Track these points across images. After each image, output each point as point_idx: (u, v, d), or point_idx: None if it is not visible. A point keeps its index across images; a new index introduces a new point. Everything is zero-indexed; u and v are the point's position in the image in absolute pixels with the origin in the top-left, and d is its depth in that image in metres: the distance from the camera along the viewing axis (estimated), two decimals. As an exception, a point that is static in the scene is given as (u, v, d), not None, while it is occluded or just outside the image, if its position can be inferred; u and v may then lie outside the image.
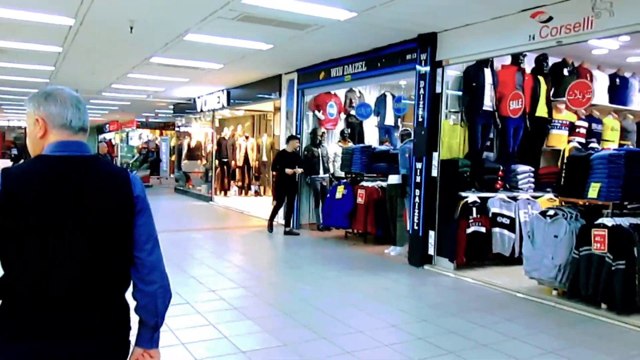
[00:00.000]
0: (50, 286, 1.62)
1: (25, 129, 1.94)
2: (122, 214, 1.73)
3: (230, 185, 16.33)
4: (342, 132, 10.56)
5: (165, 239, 9.20)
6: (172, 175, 21.73)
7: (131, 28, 6.99)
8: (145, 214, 1.80)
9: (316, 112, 10.42)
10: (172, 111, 19.74)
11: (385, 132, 10.86)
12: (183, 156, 19.03)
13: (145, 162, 22.87)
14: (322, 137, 10.22)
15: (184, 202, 15.83)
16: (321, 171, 10.03)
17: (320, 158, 9.99)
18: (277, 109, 15.53)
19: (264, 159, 16.06)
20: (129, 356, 1.83)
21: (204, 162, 17.57)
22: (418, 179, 7.24)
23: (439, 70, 7.09)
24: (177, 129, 20.39)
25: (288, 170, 9.44)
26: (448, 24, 6.76)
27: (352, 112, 10.64)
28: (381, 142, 10.48)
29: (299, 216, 10.41)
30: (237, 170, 16.38)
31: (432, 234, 7.15)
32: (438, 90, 7.10)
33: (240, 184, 16.51)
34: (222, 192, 16.11)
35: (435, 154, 7.08)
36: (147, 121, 26.79)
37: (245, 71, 11.22)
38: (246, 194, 16.40)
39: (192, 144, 18.58)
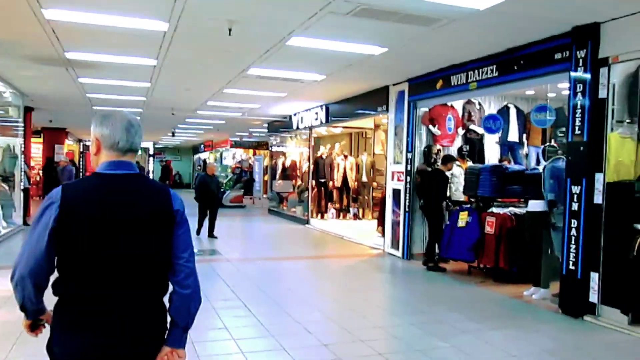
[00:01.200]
0: (108, 287, 1.86)
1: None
2: (164, 225, 1.96)
3: (327, 208, 15.29)
4: (459, 150, 9.21)
5: (259, 268, 8.28)
6: (265, 196, 21.21)
7: (230, 30, 6.11)
8: (184, 226, 2.03)
9: (431, 127, 9.12)
10: (266, 130, 19.17)
11: (508, 149, 9.45)
12: (277, 176, 18.32)
13: (239, 182, 22.60)
14: (438, 155, 8.91)
15: (278, 224, 14.93)
16: (437, 194, 8.67)
17: (436, 179, 8.64)
18: (377, 126, 14.51)
19: (364, 179, 14.90)
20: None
21: (299, 182, 16.70)
22: (575, 207, 5.76)
23: (603, 71, 5.62)
24: (271, 148, 19.78)
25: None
26: (617, 10, 5.31)
27: (472, 127, 9.29)
28: (500, 161, 9.03)
29: (410, 245, 9.13)
30: (334, 191, 15.33)
31: (594, 276, 5.62)
32: (602, 95, 5.62)
33: (338, 206, 15.43)
34: (319, 215, 15.11)
35: (598, 176, 5.59)
36: (241, 140, 26.75)
37: (349, 83, 10.17)
38: (344, 217, 15.27)
39: (287, 164, 17.82)
